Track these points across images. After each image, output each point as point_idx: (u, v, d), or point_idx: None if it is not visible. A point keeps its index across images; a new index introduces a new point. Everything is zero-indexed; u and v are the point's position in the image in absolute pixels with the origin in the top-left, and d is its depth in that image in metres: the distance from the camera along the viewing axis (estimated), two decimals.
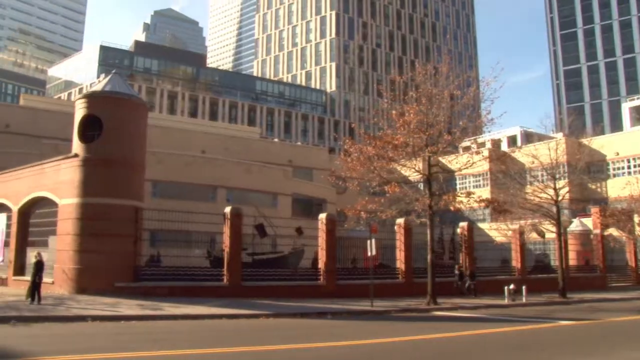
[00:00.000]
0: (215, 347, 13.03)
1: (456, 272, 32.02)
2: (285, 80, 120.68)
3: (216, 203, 41.03)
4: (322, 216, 28.69)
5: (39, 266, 20.72)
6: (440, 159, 29.12)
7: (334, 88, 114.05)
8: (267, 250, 31.68)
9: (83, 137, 24.27)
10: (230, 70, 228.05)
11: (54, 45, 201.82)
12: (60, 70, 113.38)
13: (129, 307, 19.55)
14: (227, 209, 25.82)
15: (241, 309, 20.48)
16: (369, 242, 24.76)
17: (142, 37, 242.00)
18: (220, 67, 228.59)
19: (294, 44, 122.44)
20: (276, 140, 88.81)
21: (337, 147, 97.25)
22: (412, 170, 27.77)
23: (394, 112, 27.23)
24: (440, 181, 29.31)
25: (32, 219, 27.41)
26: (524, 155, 38.52)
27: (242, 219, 25.89)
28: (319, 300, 25.23)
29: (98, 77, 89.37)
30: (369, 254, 24.90)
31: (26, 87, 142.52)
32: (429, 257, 26.54)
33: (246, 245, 27.42)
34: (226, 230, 25.31)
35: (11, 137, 45.04)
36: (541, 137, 61.66)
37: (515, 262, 36.60)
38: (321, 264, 27.92)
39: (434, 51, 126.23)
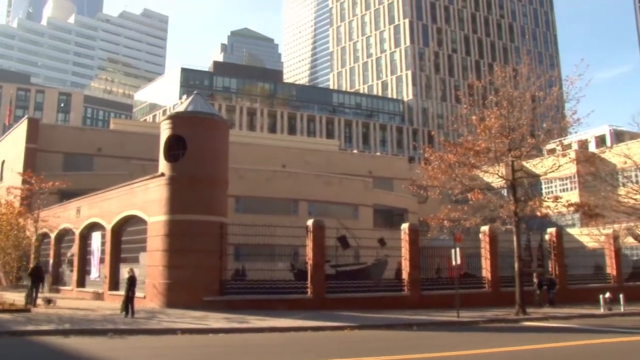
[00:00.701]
0: (305, 358, 13.14)
1: (535, 280, 30.30)
2: (361, 91, 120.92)
3: (298, 216, 41.48)
4: (405, 226, 28.44)
5: (132, 281, 21.73)
6: (524, 163, 28.23)
7: (410, 96, 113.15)
8: (350, 262, 31.63)
9: (168, 156, 25.27)
10: (307, 84, 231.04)
11: (139, 71, 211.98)
12: (145, 94, 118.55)
13: (216, 320, 20.07)
14: (310, 222, 26.06)
15: (326, 321, 20.56)
16: (453, 251, 24.32)
17: (220, 58, 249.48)
18: (297, 82, 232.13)
19: (369, 55, 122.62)
20: (355, 151, 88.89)
21: (417, 155, 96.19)
22: (495, 176, 27.03)
23: (474, 117, 26.69)
24: (525, 186, 28.40)
25: (124, 236, 28.73)
26: (615, 155, 36.56)
27: (325, 231, 26.05)
28: (404, 311, 24.94)
29: (180, 98, 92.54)
30: (454, 263, 24.44)
31: (115, 112, 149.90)
32: (516, 265, 25.70)
33: (329, 257, 27.54)
34: (309, 242, 25.55)
35: (103, 159, 47.61)
36: (633, 136, 58.57)
37: (610, 269, 34.72)
38: (405, 275, 27.63)
39: (513, 53, 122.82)
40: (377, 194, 51.15)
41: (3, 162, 51.34)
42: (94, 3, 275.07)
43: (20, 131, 48.92)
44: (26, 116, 55.35)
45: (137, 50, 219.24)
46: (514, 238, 25.75)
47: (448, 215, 27.47)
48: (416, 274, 27.44)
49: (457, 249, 24.14)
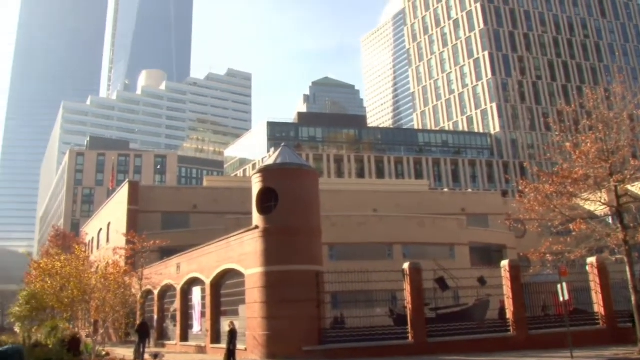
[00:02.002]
0: None
1: None
2: (447, 128, 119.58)
3: (393, 260, 40.94)
4: (505, 263, 27.37)
5: (233, 334, 22.04)
6: (629, 187, 26.59)
7: (498, 129, 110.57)
8: (450, 304, 30.68)
9: (261, 209, 25.78)
10: (391, 126, 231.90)
11: (228, 129, 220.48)
12: (234, 150, 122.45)
13: None
14: (406, 265, 25.62)
15: None
16: (559, 286, 23.06)
17: (303, 108, 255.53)
18: (381, 125, 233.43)
19: (451, 91, 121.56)
20: (446, 190, 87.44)
21: (510, 189, 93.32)
22: (597, 203, 25.58)
23: (567, 144, 25.57)
24: (633, 212, 26.66)
25: (223, 290, 29.33)
26: None
27: (422, 273, 25.50)
28: (510, 353, 23.75)
29: (268, 151, 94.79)
30: (561, 299, 23.13)
31: (207, 169, 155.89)
32: (632, 298, 23.90)
33: (428, 300, 26.84)
34: (406, 286, 25.06)
35: (199, 216, 49.37)
36: None
37: None
38: (509, 314, 26.40)
39: (602, 72, 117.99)
40: (472, 232, 49.74)
41: (109, 224, 54.31)
42: (182, 69, 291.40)
43: (122, 194, 51.74)
44: (127, 180, 58.53)
45: (224, 109, 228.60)
46: (627, 268, 24.09)
47: (550, 249, 26.17)
48: (521, 312, 26.16)
49: (564, 284, 22.87)
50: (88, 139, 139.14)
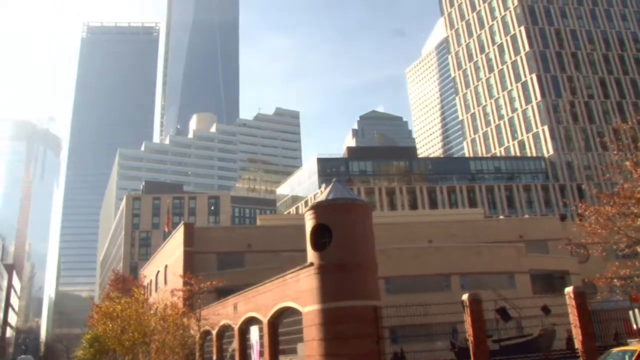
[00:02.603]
0: None
1: None
2: (498, 154, 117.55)
3: (451, 291, 40.06)
4: (569, 290, 26.30)
5: None
6: None
7: (551, 152, 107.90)
8: (514, 335, 29.65)
9: (315, 245, 25.70)
10: (442, 156, 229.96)
11: (278, 167, 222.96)
12: (286, 188, 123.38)
13: None
14: (465, 296, 24.97)
15: None
16: (631, 312, 21.97)
17: (352, 143, 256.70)
18: (432, 155, 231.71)
19: (500, 117, 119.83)
20: (501, 217, 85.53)
21: (569, 212, 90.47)
22: None
23: (627, 163, 24.65)
24: None
25: (281, 328, 29.20)
26: None
27: (482, 304, 24.77)
28: None
29: (320, 187, 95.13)
30: (634, 326, 22.01)
31: (260, 208, 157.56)
32: None
33: (490, 331, 26.02)
34: (467, 318, 24.36)
35: (253, 255, 49.64)
36: None
37: None
38: (577, 344, 25.27)
39: None
40: (532, 259, 48.27)
41: (166, 266, 55.17)
42: (232, 111, 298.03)
43: (178, 236, 52.60)
44: (182, 222, 59.54)
45: (274, 148, 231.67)
46: None
47: (617, 273, 25.08)
48: (591, 342, 24.97)
49: (636, 310, 21.78)
50: (143, 183, 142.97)
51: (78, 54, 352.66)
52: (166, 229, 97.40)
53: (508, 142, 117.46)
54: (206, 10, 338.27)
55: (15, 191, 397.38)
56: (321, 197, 28.61)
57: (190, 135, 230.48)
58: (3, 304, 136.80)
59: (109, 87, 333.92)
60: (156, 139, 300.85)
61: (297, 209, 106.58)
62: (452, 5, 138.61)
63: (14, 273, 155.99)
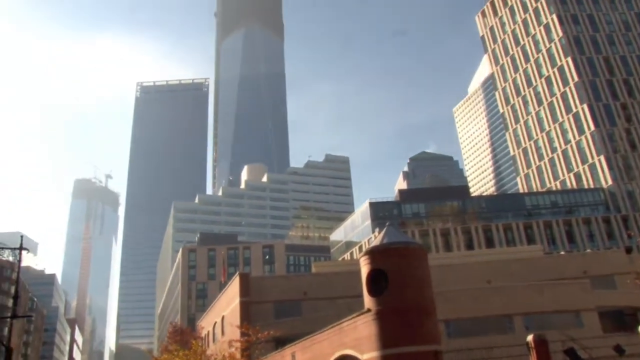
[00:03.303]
0: None
1: None
2: (554, 188, 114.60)
3: (515, 333, 38.63)
4: None
5: None
6: None
7: (610, 182, 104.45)
8: None
9: (372, 291, 25.38)
10: (495, 193, 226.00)
11: (331, 213, 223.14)
12: (339, 234, 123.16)
13: None
14: (530, 337, 24.09)
15: None
16: None
17: (404, 185, 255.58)
18: (485, 193, 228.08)
19: (553, 150, 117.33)
20: (562, 252, 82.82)
21: (634, 244, 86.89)
22: None
23: None
24: None
25: None
26: None
27: (548, 345, 23.82)
28: None
29: (373, 232, 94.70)
30: None
31: (314, 255, 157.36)
32: None
33: None
34: None
35: (310, 303, 49.23)
36: None
37: None
38: None
39: None
40: (598, 295, 46.21)
41: (223, 317, 55.30)
42: (282, 160, 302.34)
43: (234, 287, 52.81)
44: (237, 272, 59.88)
45: (326, 194, 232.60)
46: None
47: None
48: None
49: None
50: (198, 235, 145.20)
51: (132, 112, 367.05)
52: (222, 280, 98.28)
53: (563, 175, 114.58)
54: (253, 63, 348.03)
55: (76, 247, 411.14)
56: (375, 241, 28.40)
57: (243, 186, 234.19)
58: (66, 358, 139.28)
59: (162, 143, 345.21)
60: (209, 191, 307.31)
61: (351, 254, 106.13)
62: (495, 41, 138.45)
63: (76, 327, 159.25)
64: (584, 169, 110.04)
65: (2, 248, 49.73)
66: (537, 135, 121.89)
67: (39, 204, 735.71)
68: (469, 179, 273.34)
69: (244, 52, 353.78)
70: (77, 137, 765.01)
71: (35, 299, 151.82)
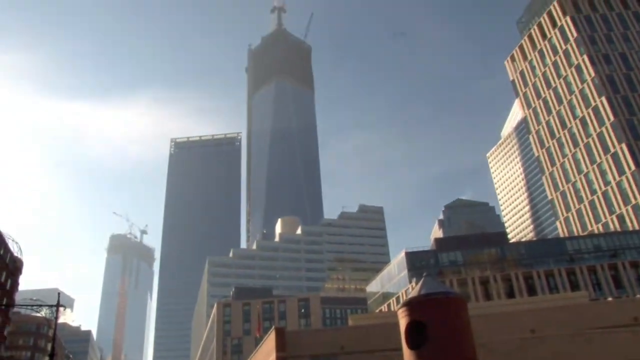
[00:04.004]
0: None
1: None
2: (596, 231, 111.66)
3: None
4: None
5: None
6: None
7: None
8: None
9: (411, 343, 24.70)
10: (534, 239, 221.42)
11: (366, 264, 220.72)
12: (375, 285, 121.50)
13: None
14: None
15: None
16: None
17: (439, 233, 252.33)
18: (523, 239, 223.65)
19: (593, 192, 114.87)
20: (610, 298, 79.89)
21: None
22: None
23: None
24: None
25: None
26: None
27: None
28: None
29: (410, 282, 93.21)
30: None
31: (350, 307, 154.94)
32: None
33: None
34: None
35: (347, 357, 48.04)
36: None
37: None
38: None
39: None
40: None
41: None
42: (316, 211, 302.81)
43: (270, 342, 52.05)
44: (273, 327, 59.15)
45: (361, 245, 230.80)
46: None
47: None
48: None
49: None
50: (233, 290, 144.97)
51: (167, 168, 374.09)
52: (257, 335, 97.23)
53: (605, 217, 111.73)
54: (284, 116, 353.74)
55: (111, 303, 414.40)
56: (413, 292, 27.81)
57: (277, 239, 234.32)
58: None
59: (196, 197, 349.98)
60: (243, 244, 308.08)
61: (388, 306, 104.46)
62: (526, 85, 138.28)
63: None
64: (627, 210, 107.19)
65: (40, 305, 50.42)
66: (574, 177, 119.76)
67: (76, 259, 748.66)
68: (506, 224, 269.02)
69: (275, 106, 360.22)
70: (112, 193, 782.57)
71: (71, 356, 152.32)
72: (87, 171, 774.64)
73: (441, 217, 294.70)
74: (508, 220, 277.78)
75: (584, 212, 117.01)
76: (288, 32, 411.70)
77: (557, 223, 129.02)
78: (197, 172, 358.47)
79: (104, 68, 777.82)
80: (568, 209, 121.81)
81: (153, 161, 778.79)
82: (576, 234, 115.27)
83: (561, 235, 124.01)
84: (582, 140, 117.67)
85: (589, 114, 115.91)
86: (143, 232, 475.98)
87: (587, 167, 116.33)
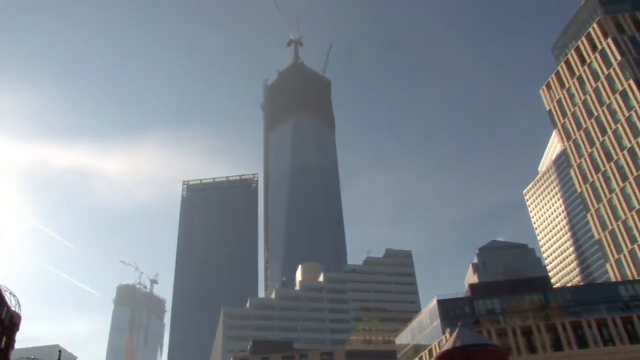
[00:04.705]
0: None
1: None
2: None
3: None
4: None
5: None
6: None
7: None
8: None
9: None
10: (582, 283, 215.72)
11: (394, 313, 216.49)
12: (405, 337, 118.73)
13: None
14: None
15: None
16: None
17: (474, 279, 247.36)
18: (569, 284, 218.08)
19: None
20: None
21: None
22: None
23: None
24: None
25: None
26: None
27: None
28: None
29: (444, 333, 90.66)
30: None
31: None
32: None
33: None
34: None
35: None
36: None
37: None
38: None
39: None
40: None
41: None
42: (339, 257, 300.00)
43: None
44: None
45: (388, 292, 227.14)
46: None
47: None
48: None
49: None
50: (250, 343, 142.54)
51: (179, 212, 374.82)
52: None
53: None
54: (303, 154, 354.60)
55: (118, 359, 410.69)
56: (447, 344, 25.90)
57: (297, 287, 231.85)
58: None
59: (210, 244, 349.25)
60: (261, 294, 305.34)
61: (420, 359, 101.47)
62: (564, 115, 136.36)
63: None
64: None
65: None
66: (625, 214, 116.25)
67: (80, 313, 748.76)
68: (548, 268, 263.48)
69: (294, 144, 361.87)
70: (119, 240, 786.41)
71: None
72: (91, 217, 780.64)
73: (475, 260, 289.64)
74: (550, 263, 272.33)
75: (638, 252, 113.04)
76: (305, 66, 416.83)
77: (607, 266, 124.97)
78: (211, 216, 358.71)
79: (108, 107, 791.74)
80: (619, 250, 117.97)
81: (164, 206, 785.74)
82: (630, 277, 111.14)
83: (613, 279, 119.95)
84: (632, 174, 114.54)
85: (638, 143, 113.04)
86: (153, 281, 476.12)
87: (638, 203, 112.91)
